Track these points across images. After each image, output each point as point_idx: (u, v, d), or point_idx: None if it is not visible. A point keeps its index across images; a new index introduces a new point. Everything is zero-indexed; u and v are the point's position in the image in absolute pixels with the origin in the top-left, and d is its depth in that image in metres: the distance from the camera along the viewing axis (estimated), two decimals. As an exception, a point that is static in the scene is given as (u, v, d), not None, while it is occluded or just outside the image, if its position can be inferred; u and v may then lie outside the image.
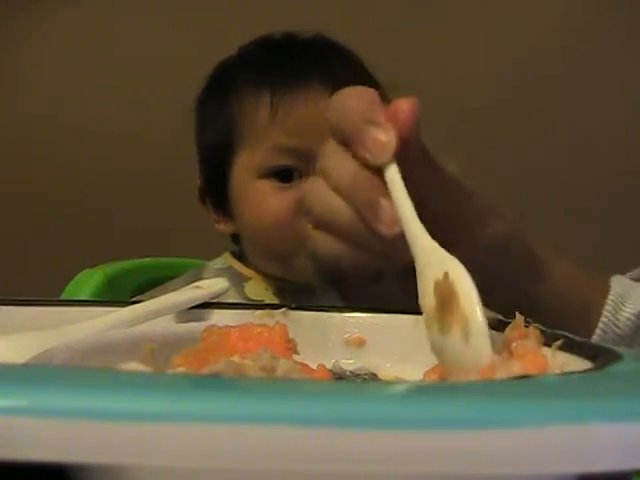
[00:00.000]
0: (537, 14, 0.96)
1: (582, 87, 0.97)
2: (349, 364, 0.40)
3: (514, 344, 0.30)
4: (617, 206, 1.03)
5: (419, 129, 0.34)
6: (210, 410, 0.16)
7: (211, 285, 0.43)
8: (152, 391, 0.17)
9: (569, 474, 0.17)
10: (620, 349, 0.25)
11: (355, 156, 0.34)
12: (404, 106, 0.34)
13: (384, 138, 0.33)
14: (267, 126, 0.65)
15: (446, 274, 0.29)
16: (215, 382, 0.20)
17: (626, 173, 1.01)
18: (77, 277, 0.73)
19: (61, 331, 0.34)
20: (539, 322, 0.32)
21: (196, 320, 0.41)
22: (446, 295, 0.29)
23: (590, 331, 0.44)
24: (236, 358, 0.30)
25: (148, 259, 0.83)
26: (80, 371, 0.21)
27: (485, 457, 0.16)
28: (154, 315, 0.38)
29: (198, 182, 0.74)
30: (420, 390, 0.20)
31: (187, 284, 0.44)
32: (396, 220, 0.32)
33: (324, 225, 0.36)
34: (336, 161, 0.35)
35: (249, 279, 0.70)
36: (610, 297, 0.45)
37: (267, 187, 0.65)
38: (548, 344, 0.29)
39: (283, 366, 0.29)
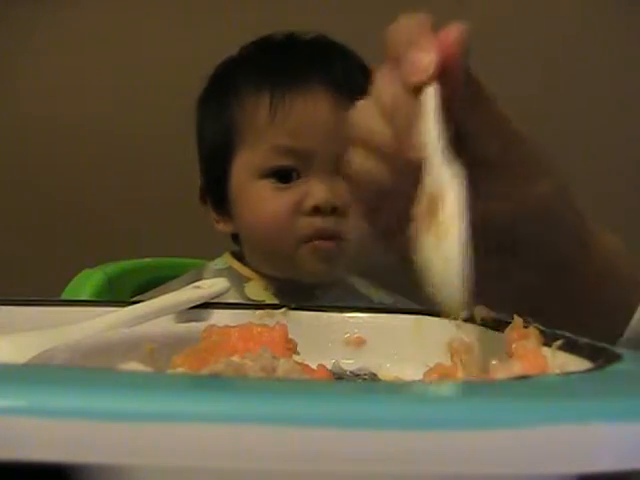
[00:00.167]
0: (537, 14, 0.96)
1: (582, 86, 0.97)
2: (349, 364, 0.40)
3: (514, 345, 0.30)
4: (620, 207, 1.03)
5: (465, 57, 0.33)
6: (210, 410, 0.16)
7: (211, 285, 0.43)
8: (152, 391, 0.17)
9: (569, 474, 0.17)
10: (620, 349, 0.25)
11: (401, 78, 0.34)
12: (451, 32, 0.33)
13: (423, 59, 0.33)
14: (266, 126, 0.65)
15: (431, 186, 0.30)
16: (215, 382, 0.20)
17: (626, 173, 1.01)
18: (77, 277, 0.73)
19: (61, 331, 0.34)
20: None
21: (196, 320, 0.41)
22: (433, 197, 0.29)
23: (629, 312, 0.42)
24: (236, 358, 0.30)
25: (148, 259, 0.83)
26: (80, 371, 0.21)
27: (485, 457, 0.16)
28: (154, 315, 0.38)
29: (199, 182, 0.74)
30: (420, 390, 0.20)
31: (187, 284, 0.44)
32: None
33: (365, 144, 0.36)
34: (383, 83, 0.35)
35: (249, 279, 0.70)
36: None
37: (266, 187, 0.65)
38: (548, 344, 0.29)
39: (283, 366, 0.29)
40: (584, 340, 0.28)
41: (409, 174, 0.33)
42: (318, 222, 0.64)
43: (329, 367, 0.38)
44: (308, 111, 0.64)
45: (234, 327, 0.37)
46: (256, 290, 0.69)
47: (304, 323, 0.41)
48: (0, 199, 0.99)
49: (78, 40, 0.99)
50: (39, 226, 0.99)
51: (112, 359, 0.33)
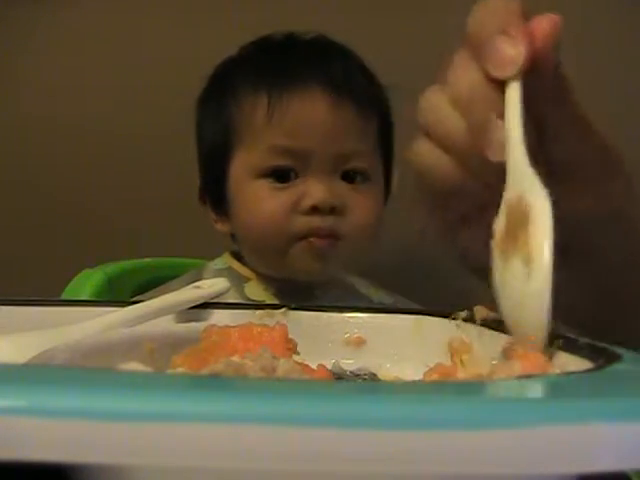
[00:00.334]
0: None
1: (582, 86, 0.97)
2: (349, 364, 0.40)
3: (514, 344, 0.30)
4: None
5: (556, 51, 0.30)
6: (210, 410, 0.16)
7: (211, 285, 0.43)
8: (152, 391, 0.17)
9: (569, 474, 0.17)
10: (620, 349, 0.25)
11: (481, 68, 0.31)
12: (543, 22, 0.30)
13: (511, 51, 0.30)
14: (264, 126, 0.65)
15: (521, 197, 0.27)
16: (215, 382, 0.20)
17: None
18: (77, 277, 0.73)
19: (61, 331, 0.34)
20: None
21: (196, 320, 0.41)
22: (516, 220, 0.27)
23: None
24: (236, 358, 0.30)
25: (148, 259, 0.83)
26: (80, 371, 0.21)
27: (485, 457, 0.16)
28: (154, 315, 0.38)
29: (198, 182, 0.74)
30: (420, 390, 0.20)
31: (187, 284, 0.44)
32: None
33: (433, 135, 0.33)
34: (460, 71, 0.32)
35: (249, 279, 0.70)
36: None
37: (264, 187, 0.65)
38: (548, 344, 0.29)
39: (283, 366, 0.29)
40: (584, 340, 0.28)
41: (482, 174, 0.30)
42: (316, 221, 0.64)
43: (329, 367, 0.38)
44: (306, 111, 0.64)
45: (234, 327, 0.37)
46: (256, 290, 0.69)
47: (304, 323, 0.41)
48: (0, 199, 0.98)
49: (78, 40, 0.99)
50: (39, 226, 0.99)
51: (112, 359, 0.33)
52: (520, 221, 0.26)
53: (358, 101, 0.66)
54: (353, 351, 0.41)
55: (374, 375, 0.40)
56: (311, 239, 0.64)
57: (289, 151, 0.64)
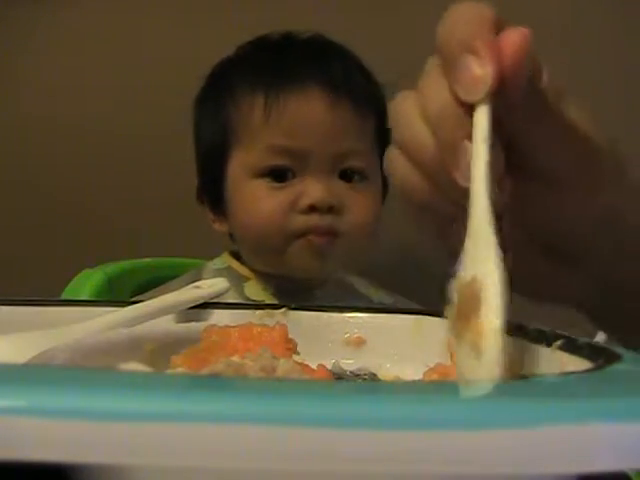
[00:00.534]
0: (540, 14, 0.96)
1: (583, 84, 0.97)
2: (349, 364, 0.40)
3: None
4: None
5: (528, 66, 0.28)
6: (210, 410, 0.16)
7: (211, 285, 0.43)
8: (152, 391, 0.17)
9: (569, 474, 0.17)
10: (620, 349, 0.25)
11: (451, 87, 0.29)
12: (512, 37, 0.28)
13: (478, 72, 0.28)
14: (261, 126, 0.65)
15: (475, 277, 0.25)
16: (215, 382, 0.20)
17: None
18: (77, 277, 0.73)
19: (61, 331, 0.34)
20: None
21: (196, 320, 0.41)
22: (467, 300, 0.26)
23: None
24: (236, 358, 0.30)
25: (148, 259, 0.83)
26: (80, 371, 0.21)
27: (485, 457, 0.16)
28: (154, 315, 0.38)
29: (196, 182, 0.74)
30: (420, 390, 0.20)
31: (187, 284, 0.44)
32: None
33: (404, 149, 0.31)
34: (431, 86, 0.30)
35: (248, 279, 0.70)
36: None
37: (261, 187, 0.65)
38: (548, 344, 0.29)
39: (283, 366, 0.29)
40: (584, 340, 0.28)
41: (452, 194, 0.29)
42: (314, 219, 0.64)
43: (329, 367, 0.38)
44: (303, 111, 0.64)
45: (234, 327, 0.37)
46: (255, 290, 0.69)
47: (304, 323, 0.41)
48: (0, 199, 0.98)
49: (78, 40, 0.99)
50: (39, 226, 0.99)
51: (112, 359, 0.33)
52: (472, 301, 0.25)
53: (355, 100, 0.66)
54: (353, 351, 0.41)
55: (374, 375, 0.40)
56: (310, 237, 0.64)
57: (286, 151, 0.65)
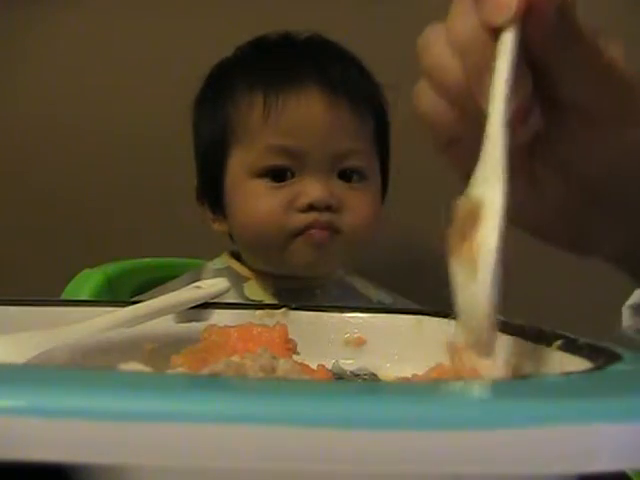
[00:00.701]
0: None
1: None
2: (349, 364, 0.40)
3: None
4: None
5: None
6: (210, 410, 0.16)
7: (211, 285, 0.43)
8: (152, 391, 0.17)
9: (569, 474, 0.17)
10: (620, 349, 0.25)
11: (478, 11, 0.29)
12: None
13: None
14: (260, 126, 0.65)
15: (477, 197, 0.25)
16: (215, 382, 0.20)
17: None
18: (77, 277, 0.72)
19: (61, 331, 0.34)
20: None
21: (196, 320, 0.41)
22: (467, 218, 0.25)
23: None
24: (236, 358, 0.30)
25: (148, 259, 0.83)
26: (80, 371, 0.21)
27: (485, 457, 0.16)
28: (154, 315, 0.38)
29: (196, 182, 0.74)
30: (420, 390, 0.20)
31: (187, 284, 0.44)
32: None
33: (431, 78, 0.31)
34: (459, 13, 0.30)
35: (248, 279, 0.70)
36: None
37: (260, 186, 0.65)
38: (548, 344, 0.29)
39: (283, 366, 0.29)
40: (584, 340, 0.28)
41: (480, 122, 0.28)
42: (313, 216, 0.64)
43: (329, 367, 0.38)
44: (301, 110, 0.64)
45: (234, 327, 0.37)
46: (255, 290, 0.69)
47: (304, 323, 0.41)
48: (0, 199, 0.98)
49: (78, 40, 0.99)
50: (39, 226, 0.99)
51: (112, 359, 0.33)
52: (471, 220, 0.25)
53: (354, 100, 0.66)
54: (353, 351, 0.41)
55: (374, 375, 0.40)
56: (310, 231, 0.64)
57: (285, 150, 0.65)
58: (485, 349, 0.27)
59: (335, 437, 0.16)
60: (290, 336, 0.36)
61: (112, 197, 0.98)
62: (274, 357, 0.30)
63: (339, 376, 0.39)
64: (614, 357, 0.24)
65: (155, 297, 0.40)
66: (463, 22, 0.29)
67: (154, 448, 0.16)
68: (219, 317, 0.41)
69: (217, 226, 0.72)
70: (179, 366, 0.32)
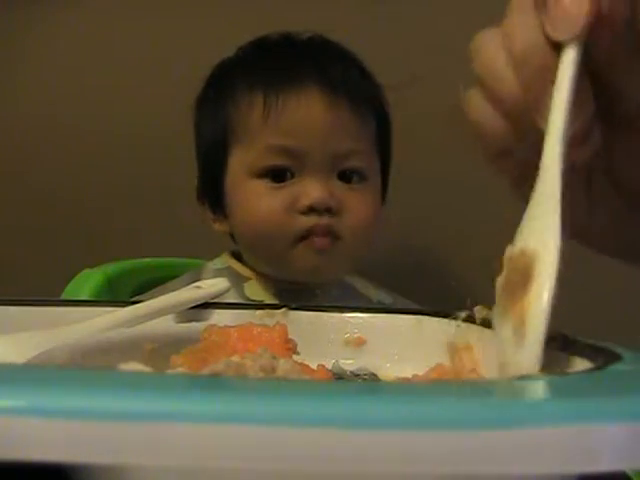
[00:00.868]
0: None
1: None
2: (349, 364, 0.40)
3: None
4: None
5: (628, 7, 0.25)
6: (210, 410, 0.16)
7: (211, 285, 0.43)
8: (152, 391, 0.17)
9: (569, 474, 0.17)
10: (620, 349, 0.25)
11: (540, 22, 0.27)
12: None
13: (572, 9, 0.25)
14: (260, 126, 0.65)
15: (530, 248, 0.23)
16: (215, 382, 0.20)
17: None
18: (77, 277, 0.72)
19: (61, 331, 0.34)
20: None
21: (196, 320, 0.41)
22: (517, 272, 0.23)
23: None
24: (236, 358, 0.30)
25: (148, 259, 0.83)
26: (80, 371, 0.21)
27: (485, 457, 0.16)
28: (154, 315, 0.38)
29: (196, 182, 0.74)
30: (420, 390, 0.20)
31: (187, 284, 0.44)
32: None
33: (484, 88, 0.29)
34: (517, 20, 0.27)
35: (248, 279, 0.70)
36: None
37: (260, 187, 0.65)
38: (548, 344, 0.29)
39: (283, 366, 0.29)
40: (584, 340, 0.28)
41: (532, 138, 0.27)
42: (314, 219, 0.64)
43: (329, 367, 0.38)
44: (302, 111, 0.64)
45: (234, 327, 0.37)
46: (255, 290, 0.69)
47: (304, 323, 0.41)
48: (0, 199, 0.98)
49: (78, 40, 0.99)
50: (39, 226, 0.99)
51: (112, 359, 0.33)
52: (522, 275, 0.23)
53: (355, 101, 0.66)
54: (353, 351, 0.41)
55: (374, 375, 0.40)
56: (315, 239, 0.64)
57: (285, 150, 0.65)
58: None
59: (335, 437, 0.16)
60: (290, 336, 0.36)
61: (112, 197, 0.98)
62: (274, 357, 0.30)
63: (339, 376, 0.39)
64: (614, 357, 0.24)
65: (155, 297, 0.40)
66: (522, 31, 0.27)
67: (154, 448, 0.16)
68: (219, 317, 0.41)
69: (218, 226, 0.72)
70: (179, 366, 0.32)
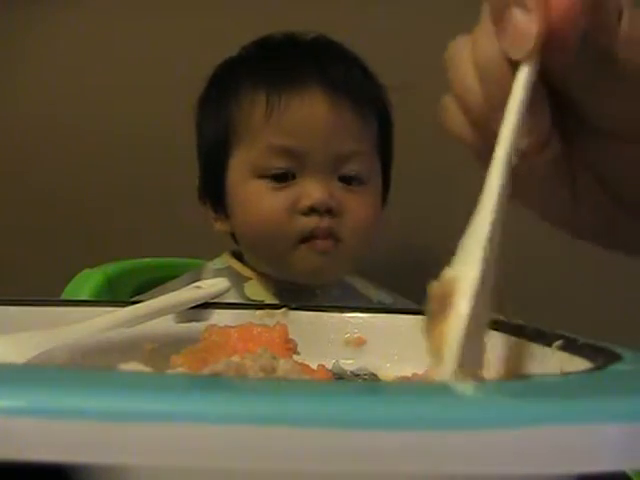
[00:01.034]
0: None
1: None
2: (349, 364, 0.41)
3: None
4: None
5: (581, 21, 0.25)
6: (210, 410, 0.16)
7: (211, 285, 0.43)
8: (152, 391, 0.17)
9: (569, 474, 0.17)
10: (620, 349, 0.25)
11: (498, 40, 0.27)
12: None
13: (523, 29, 0.25)
14: (262, 126, 0.65)
15: (447, 277, 0.23)
16: (215, 382, 0.20)
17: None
18: (77, 277, 0.72)
19: (61, 331, 0.34)
20: None
21: (196, 320, 0.41)
22: (435, 301, 0.23)
23: None
24: (236, 358, 0.30)
25: (148, 259, 0.83)
26: (80, 371, 0.21)
27: (485, 457, 0.16)
28: (154, 315, 0.38)
29: (198, 181, 0.74)
30: (420, 390, 0.20)
31: (187, 284, 0.44)
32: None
33: (453, 91, 0.30)
34: (481, 33, 0.28)
35: (248, 279, 0.70)
36: None
37: (261, 187, 0.65)
38: (548, 344, 0.29)
39: (283, 366, 0.29)
40: (584, 340, 0.28)
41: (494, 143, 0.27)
42: (314, 221, 0.64)
43: (329, 367, 0.38)
44: (304, 111, 0.65)
45: (234, 327, 0.37)
46: (256, 290, 0.69)
47: (304, 323, 0.41)
48: (0, 199, 0.98)
49: (78, 40, 0.99)
50: (39, 226, 0.99)
51: (112, 359, 0.33)
52: (439, 303, 0.23)
53: (357, 102, 0.66)
54: (353, 351, 0.41)
55: (374, 375, 0.40)
56: (317, 241, 0.64)
57: (287, 151, 0.65)
58: None
59: (335, 437, 0.16)
60: (290, 336, 0.36)
61: (112, 197, 0.98)
62: (274, 357, 0.30)
63: (339, 376, 0.39)
64: (614, 357, 0.24)
65: (155, 297, 0.40)
66: (484, 46, 0.28)
67: (154, 448, 0.16)
68: (219, 317, 0.41)
69: (219, 225, 0.72)
70: (179, 366, 0.32)
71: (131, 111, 0.97)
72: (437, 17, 0.88)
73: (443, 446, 0.16)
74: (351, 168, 0.66)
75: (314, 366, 0.33)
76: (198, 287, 0.43)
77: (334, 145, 0.65)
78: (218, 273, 0.70)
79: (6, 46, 0.99)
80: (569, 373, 0.25)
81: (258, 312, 0.42)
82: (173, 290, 0.42)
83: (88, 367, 0.32)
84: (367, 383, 0.36)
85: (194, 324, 0.40)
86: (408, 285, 0.76)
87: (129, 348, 0.36)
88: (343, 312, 0.42)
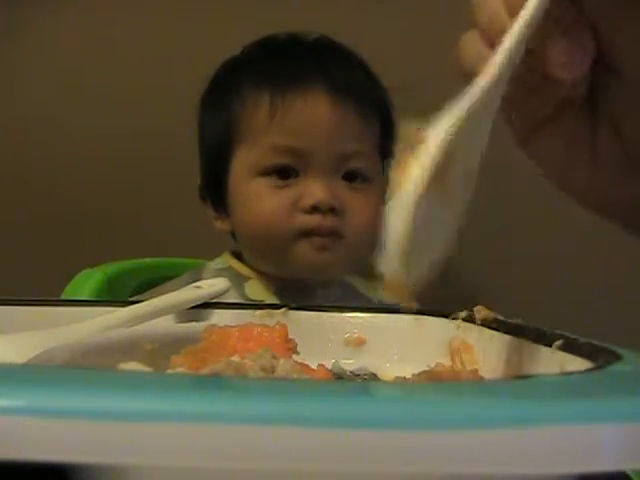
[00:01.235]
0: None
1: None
2: (349, 364, 0.40)
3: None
4: None
5: None
6: (210, 410, 0.16)
7: (211, 285, 0.43)
8: (152, 391, 0.17)
9: (569, 474, 0.17)
10: (620, 349, 0.25)
11: None
12: None
13: None
14: (265, 125, 0.65)
15: (421, 130, 0.25)
16: (215, 382, 0.20)
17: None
18: (77, 277, 0.73)
19: (61, 331, 0.34)
20: None
21: (196, 320, 0.41)
22: (406, 146, 0.25)
23: None
24: (236, 358, 0.30)
25: (148, 259, 0.83)
26: (80, 371, 0.21)
27: (485, 457, 0.16)
28: (154, 315, 0.38)
29: (199, 180, 0.74)
30: (420, 390, 0.20)
31: (187, 284, 0.44)
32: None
33: (479, 25, 0.30)
34: None
35: (249, 279, 0.70)
36: None
37: (264, 185, 0.65)
38: (548, 344, 0.29)
39: (283, 366, 0.29)
40: (584, 340, 0.28)
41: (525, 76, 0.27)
42: (317, 219, 0.64)
43: (329, 367, 0.38)
44: (307, 111, 0.65)
45: (234, 327, 0.37)
46: (256, 289, 0.69)
47: (304, 323, 0.41)
48: (0, 199, 0.98)
49: (78, 40, 0.99)
50: (39, 226, 0.99)
51: (112, 359, 0.33)
52: (411, 147, 0.25)
53: (360, 102, 0.66)
54: (353, 351, 0.41)
55: (374, 375, 0.40)
56: (316, 237, 0.64)
57: (290, 150, 0.65)
58: (396, 288, 0.27)
59: (335, 437, 0.16)
60: (290, 336, 0.36)
61: (113, 197, 0.98)
62: (274, 357, 0.30)
63: (339, 376, 0.39)
64: (614, 357, 0.24)
65: (155, 297, 0.40)
66: None
67: (154, 448, 0.16)
68: (219, 317, 0.41)
69: (219, 224, 0.72)
70: (179, 366, 0.32)
71: (131, 111, 0.97)
72: (439, 19, 0.88)
73: (443, 446, 0.16)
74: (354, 165, 0.67)
75: (314, 366, 0.33)
76: (198, 287, 0.43)
77: (337, 145, 0.65)
78: (218, 273, 0.70)
79: (6, 46, 0.99)
80: (569, 373, 0.25)
81: (258, 312, 0.42)
82: (173, 290, 0.42)
83: (88, 367, 0.32)
84: (367, 383, 0.36)
85: (194, 324, 0.40)
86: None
87: (129, 348, 0.36)
88: (343, 312, 0.42)
